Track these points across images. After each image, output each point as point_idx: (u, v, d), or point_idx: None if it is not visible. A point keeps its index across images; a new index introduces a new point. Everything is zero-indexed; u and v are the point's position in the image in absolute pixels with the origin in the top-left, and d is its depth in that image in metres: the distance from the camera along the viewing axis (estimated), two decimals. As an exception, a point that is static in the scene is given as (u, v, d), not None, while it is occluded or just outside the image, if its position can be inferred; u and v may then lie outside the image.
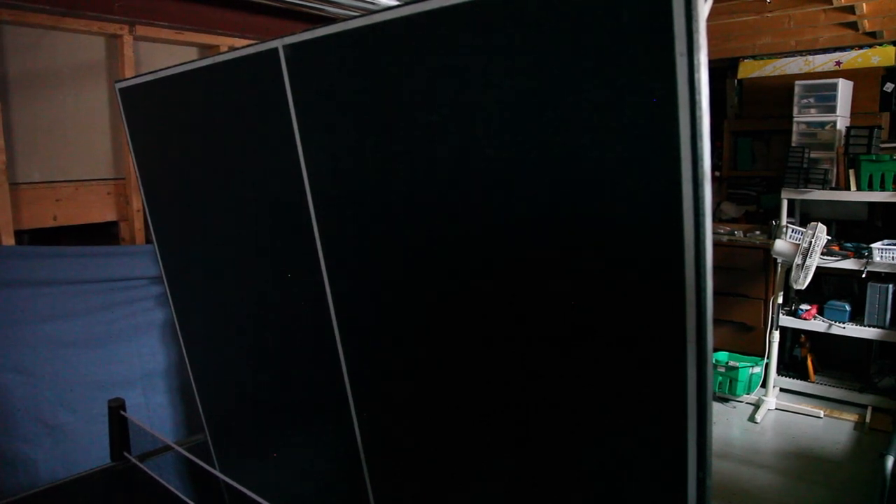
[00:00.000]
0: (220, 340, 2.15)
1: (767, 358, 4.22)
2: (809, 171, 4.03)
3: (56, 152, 2.80)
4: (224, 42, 3.25)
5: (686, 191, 0.88)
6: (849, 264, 3.88)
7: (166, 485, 2.01)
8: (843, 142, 3.98)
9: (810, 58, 4.49)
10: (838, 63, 4.37)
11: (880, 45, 4.24)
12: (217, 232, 1.93)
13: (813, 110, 4.12)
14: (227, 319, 2.06)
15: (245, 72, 1.57)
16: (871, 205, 4.32)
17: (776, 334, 4.19)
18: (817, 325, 4.13)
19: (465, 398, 1.36)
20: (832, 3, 3.99)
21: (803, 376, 4.40)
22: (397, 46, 1.20)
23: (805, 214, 4.51)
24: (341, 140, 1.40)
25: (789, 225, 4.03)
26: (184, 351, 2.33)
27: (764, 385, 4.26)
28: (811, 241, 3.69)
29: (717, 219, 4.99)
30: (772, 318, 4.18)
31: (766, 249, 4.34)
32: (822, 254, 3.78)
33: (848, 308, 4.08)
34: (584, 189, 1.02)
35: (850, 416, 4.02)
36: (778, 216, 4.25)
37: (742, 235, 4.68)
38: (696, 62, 0.83)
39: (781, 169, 4.24)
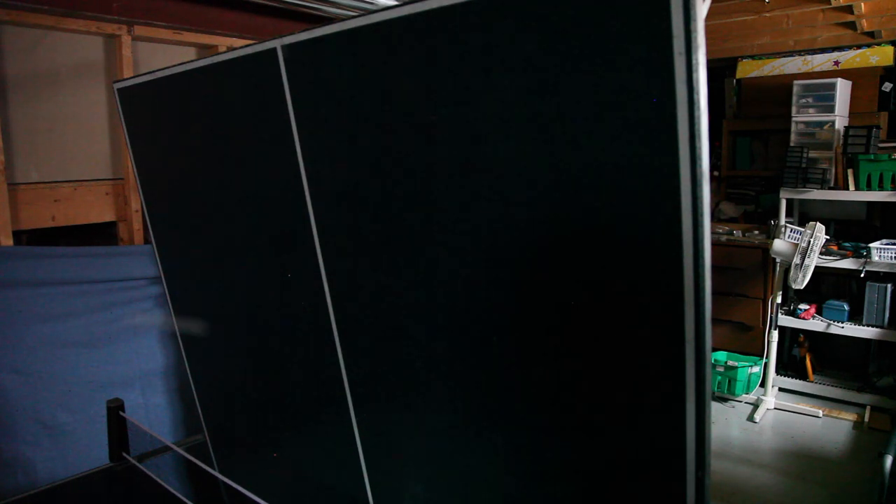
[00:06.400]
0: (218, 341, 2.14)
1: (766, 357, 4.22)
2: (808, 170, 4.03)
3: (54, 152, 2.80)
4: (222, 42, 3.25)
5: (685, 190, 0.88)
6: (847, 264, 3.88)
7: (165, 485, 2.01)
8: (841, 141, 3.98)
9: (809, 57, 4.49)
10: (837, 63, 4.38)
11: (879, 44, 4.24)
12: (215, 232, 1.93)
13: (811, 110, 4.13)
14: (225, 319, 2.06)
15: (243, 72, 1.57)
16: (870, 204, 4.32)
17: (775, 334, 4.19)
18: (816, 324, 4.13)
19: (462, 398, 1.36)
20: (830, 3, 3.99)
21: (802, 376, 4.40)
22: (396, 46, 1.20)
23: (803, 214, 4.52)
24: (339, 140, 1.40)
25: (788, 224, 4.03)
26: (182, 351, 2.33)
27: (763, 385, 4.26)
28: (810, 241, 3.70)
29: (715, 218, 5.00)
30: (770, 317, 4.18)
31: (765, 249, 4.35)
32: (821, 253, 3.79)
33: (846, 307, 4.09)
34: (582, 188, 1.02)
35: (849, 416, 4.02)
36: (776, 216, 4.26)
37: (741, 235, 4.69)
38: (694, 62, 0.83)
39: (780, 169, 4.24)
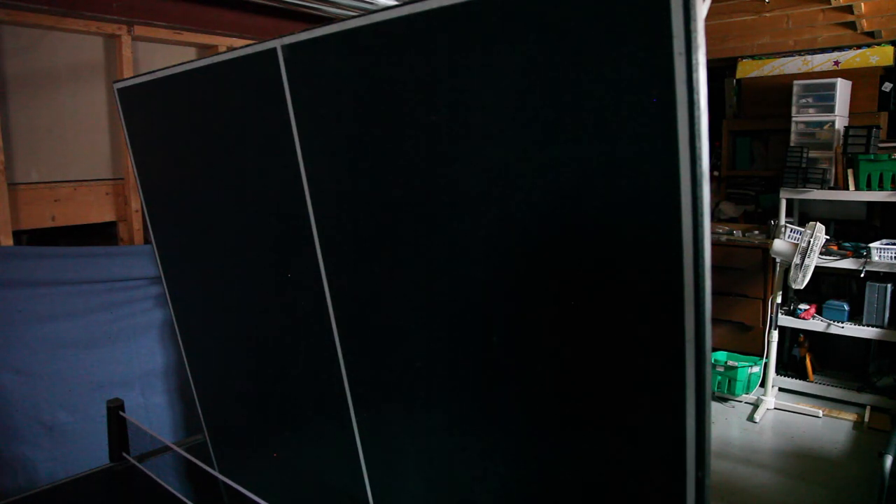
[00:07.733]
0: (218, 340, 2.14)
1: (766, 357, 4.22)
2: (808, 170, 4.03)
3: (55, 152, 2.80)
4: (222, 42, 3.25)
5: (685, 190, 0.88)
6: (847, 264, 3.89)
7: (165, 485, 2.01)
8: (841, 141, 3.98)
9: (809, 57, 4.49)
10: (837, 63, 4.38)
11: (879, 44, 4.24)
12: (215, 232, 1.93)
13: (811, 110, 4.13)
14: (225, 320, 2.06)
15: (244, 72, 1.57)
16: (870, 204, 4.32)
17: (775, 334, 4.19)
18: (816, 324, 4.13)
19: (462, 398, 1.36)
20: (830, 3, 3.99)
21: (802, 376, 4.40)
22: (396, 46, 1.20)
23: (803, 214, 4.52)
24: (340, 140, 1.40)
25: (788, 224, 4.03)
26: (182, 351, 2.33)
27: (763, 385, 4.26)
28: (810, 241, 3.70)
29: (715, 218, 5.00)
30: (770, 317, 4.18)
31: (765, 249, 4.35)
32: (821, 253, 3.79)
33: (846, 307, 4.09)
34: (582, 188, 1.02)
35: (849, 416, 4.02)
36: (776, 216, 4.26)
37: (741, 235, 4.69)
38: (694, 62, 0.83)
39: (780, 169, 4.25)
